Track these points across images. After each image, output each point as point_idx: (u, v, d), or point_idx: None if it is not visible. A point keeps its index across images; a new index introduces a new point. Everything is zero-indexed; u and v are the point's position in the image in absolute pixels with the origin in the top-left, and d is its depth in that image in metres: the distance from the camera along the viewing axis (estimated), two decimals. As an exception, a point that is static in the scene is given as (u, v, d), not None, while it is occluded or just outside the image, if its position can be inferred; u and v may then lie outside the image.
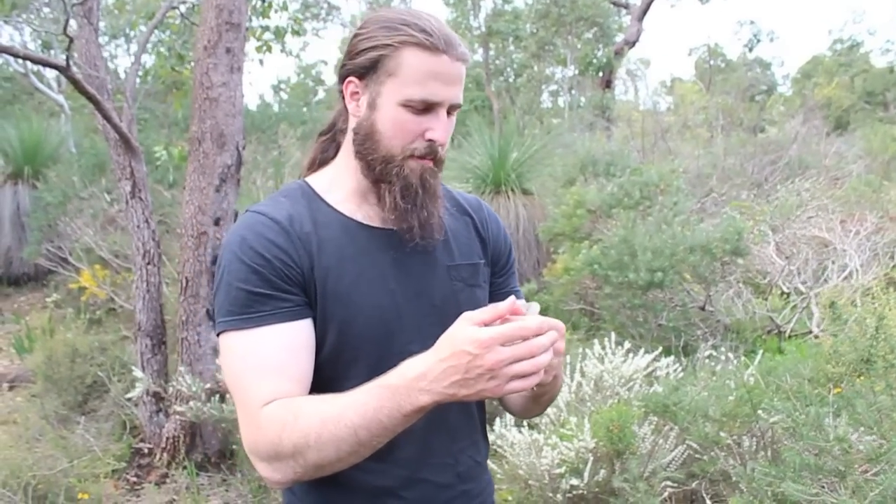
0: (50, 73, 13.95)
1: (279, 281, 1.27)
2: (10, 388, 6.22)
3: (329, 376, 1.33)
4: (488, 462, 1.59)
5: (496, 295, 1.53)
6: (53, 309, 7.93)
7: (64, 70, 3.95)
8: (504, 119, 15.02)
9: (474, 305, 1.45)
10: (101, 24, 18.74)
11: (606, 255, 5.12)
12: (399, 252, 1.37)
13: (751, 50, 26.98)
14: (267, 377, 1.24)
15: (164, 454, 4.36)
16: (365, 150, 1.34)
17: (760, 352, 3.80)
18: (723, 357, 3.80)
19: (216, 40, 4.40)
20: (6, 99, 18.36)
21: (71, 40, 3.72)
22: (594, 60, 21.90)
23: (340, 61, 1.40)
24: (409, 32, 1.28)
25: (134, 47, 18.50)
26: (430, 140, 1.30)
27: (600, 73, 20.67)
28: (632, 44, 20.33)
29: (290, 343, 1.27)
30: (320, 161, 1.48)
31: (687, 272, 4.96)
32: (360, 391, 1.14)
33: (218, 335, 1.30)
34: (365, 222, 1.37)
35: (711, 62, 27.46)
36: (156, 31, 8.71)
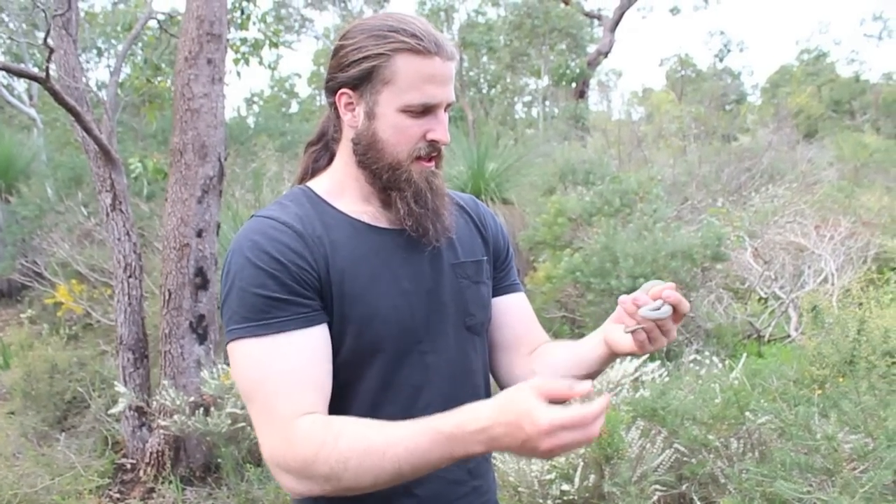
0: (21, 87, 13.77)
1: (296, 285, 1.26)
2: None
3: (346, 379, 1.33)
4: None
5: (497, 290, 1.56)
6: (29, 325, 7.80)
7: (44, 81, 3.90)
8: (479, 130, 15.10)
9: (480, 302, 1.48)
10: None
11: (588, 263, 5.15)
12: (408, 252, 1.39)
13: (721, 60, 27.37)
14: (295, 387, 1.23)
15: (149, 469, 4.30)
16: (368, 159, 1.35)
17: (744, 355, 3.85)
18: (707, 361, 3.84)
19: (197, 51, 4.38)
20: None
21: (51, 51, 3.68)
22: (567, 71, 22.09)
23: (328, 72, 1.40)
24: (400, 39, 1.29)
25: (106, 60, 18.37)
26: (432, 140, 1.32)
27: (574, 84, 20.85)
28: (604, 54, 20.56)
29: (311, 350, 1.26)
30: (313, 170, 1.49)
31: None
32: (411, 429, 1.12)
33: (229, 342, 1.28)
34: (372, 223, 1.38)
35: (683, 72, 27.82)
36: (139, 44, 8.67)
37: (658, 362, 4.03)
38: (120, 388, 4.27)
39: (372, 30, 1.32)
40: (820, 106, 24.87)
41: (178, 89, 4.41)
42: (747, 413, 2.95)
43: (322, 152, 1.49)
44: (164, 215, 4.54)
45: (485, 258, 1.51)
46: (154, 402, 4.26)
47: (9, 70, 3.80)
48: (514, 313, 1.57)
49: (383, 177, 1.35)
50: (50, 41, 3.96)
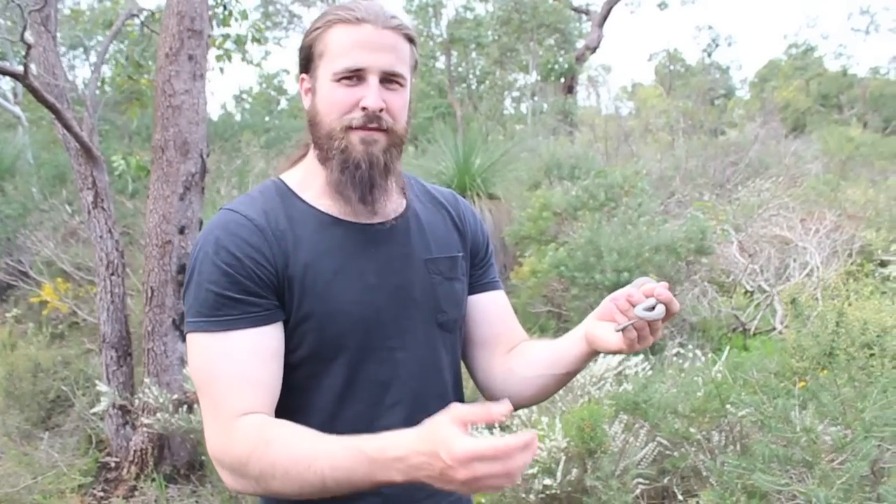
0: (6, 85, 13.68)
1: (249, 283, 1.26)
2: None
3: (308, 374, 1.32)
4: None
5: (475, 287, 1.53)
6: (14, 324, 7.75)
7: (22, 78, 3.87)
8: (467, 125, 15.10)
9: (453, 299, 1.46)
10: (59, 35, 18.49)
11: (573, 257, 5.16)
12: (377, 246, 1.37)
13: (709, 55, 27.44)
14: (238, 386, 1.23)
15: (132, 467, 4.28)
16: (313, 135, 1.36)
17: (727, 348, 3.86)
18: (690, 355, 3.85)
19: (178, 47, 4.35)
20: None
21: (29, 47, 3.65)
22: (556, 66, 22.09)
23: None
24: (334, 13, 1.31)
25: (93, 58, 18.25)
26: (363, 108, 1.29)
27: (562, 79, 20.85)
28: (593, 49, 20.58)
29: (259, 349, 1.26)
30: (295, 162, 1.47)
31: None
32: (337, 445, 1.11)
33: (186, 334, 1.30)
34: (341, 217, 1.36)
35: (671, 67, 27.88)
36: (114, 41, 8.61)
37: (641, 356, 4.04)
38: (102, 387, 4.25)
39: (319, 15, 1.36)
40: (808, 100, 24.96)
41: (160, 86, 4.39)
42: (728, 406, 2.96)
43: (305, 145, 1.49)
44: (146, 212, 4.51)
45: (460, 254, 1.49)
46: (137, 400, 4.24)
47: (-14, 67, 3.77)
48: (492, 310, 1.55)
49: (323, 148, 1.33)
50: (28, 37, 3.92)
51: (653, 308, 1.24)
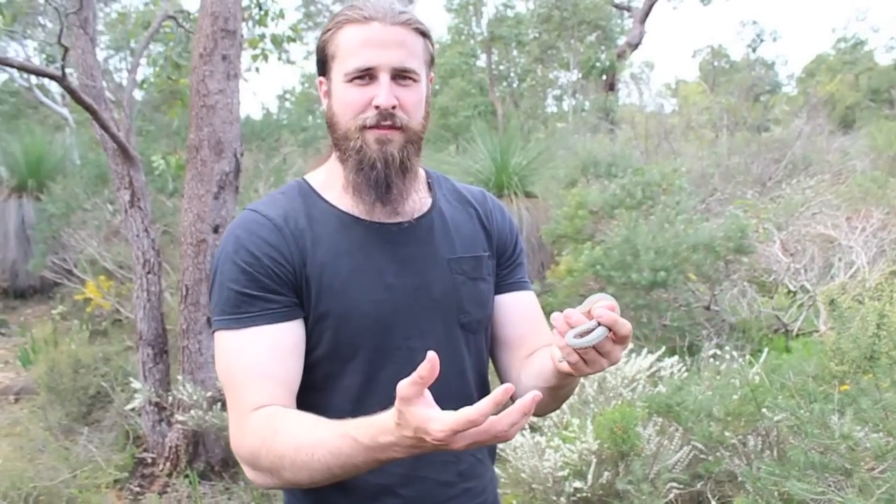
0: (55, 87, 13.99)
1: (268, 281, 1.27)
2: (16, 400, 6.21)
3: (326, 373, 1.33)
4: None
5: (501, 287, 1.50)
6: (59, 321, 7.93)
7: (60, 80, 3.94)
8: (507, 124, 15.00)
9: (477, 299, 1.43)
10: (105, 38, 18.89)
11: (609, 256, 5.08)
12: (398, 246, 1.36)
13: (754, 50, 26.92)
14: (255, 381, 1.25)
15: (167, 463, 4.33)
16: (332, 136, 1.36)
17: (766, 350, 3.76)
18: (727, 356, 3.75)
19: (212, 48, 4.39)
20: (11, 114, 18.46)
21: (66, 50, 3.71)
22: (597, 64, 21.87)
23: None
24: (343, 14, 1.31)
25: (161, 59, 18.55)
26: (376, 107, 1.28)
27: (604, 77, 20.65)
28: (634, 46, 20.35)
29: (276, 345, 1.27)
30: (321, 162, 1.48)
31: (691, 271, 4.92)
32: (332, 432, 1.11)
33: (213, 333, 1.33)
34: (362, 217, 1.36)
35: (715, 63, 27.41)
36: (155, 42, 8.74)
37: (676, 357, 3.96)
38: (136, 384, 4.31)
39: (333, 17, 1.35)
40: (857, 95, 24.31)
41: (194, 86, 4.43)
42: (764, 410, 2.87)
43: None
44: (181, 211, 4.56)
45: (486, 254, 1.47)
46: (171, 397, 4.29)
47: (25, 69, 3.84)
48: (517, 311, 1.51)
49: (341, 149, 1.34)
50: (65, 41, 3.98)
51: (589, 332, 1.11)
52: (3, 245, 9.09)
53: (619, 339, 1.14)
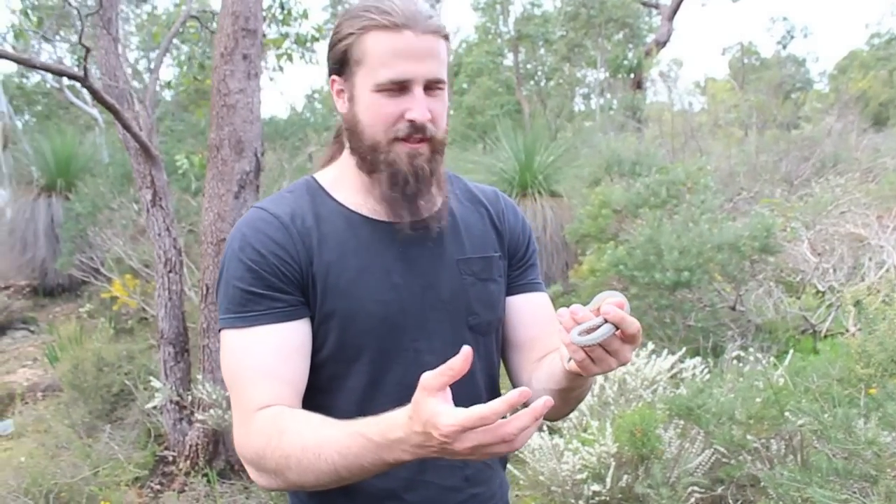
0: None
1: (274, 279, 1.26)
2: (44, 398, 6.30)
3: (331, 374, 1.31)
4: (508, 466, 1.53)
5: (513, 288, 1.48)
6: (87, 319, 8.03)
7: (82, 80, 3.97)
8: (534, 123, 14.91)
9: (486, 300, 1.41)
10: (135, 39, 19.11)
11: (632, 256, 5.01)
12: (405, 245, 1.34)
13: (784, 47, 26.53)
14: (260, 380, 1.23)
15: (187, 462, 4.35)
16: (354, 144, 1.33)
17: (791, 352, 3.68)
18: (751, 358, 3.68)
19: (233, 47, 4.39)
20: (44, 114, 18.77)
21: (87, 50, 3.74)
22: (625, 62, 21.68)
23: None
24: (369, 17, 1.25)
25: (169, 59, 18.78)
26: (410, 120, 1.26)
27: (631, 75, 20.46)
28: (662, 44, 20.08)
29: (282, 345, 1.26)
30: (329, 162, 1.47)
31: (716, 271, 4.84)
32: (341, 431, 1.09)
33: (219, 331, 1.31)
34: (370, 216, 1.34)
35: (745, 60, 27.04)
36: (184, 43, 8.82)
37: (699, 358, 3.89)
38: (156, 382, 4.33)
39: (350, 13, 1.30)
40: (891, 91, 23.83)
41: (215, 85, 4.44)
42: (787, 413, 2.80)
43: (338, 143, 1.47)
44: (202, 211, 4.58)
45: (497, 254, 1.44)
46: (190, 396, 4.30)
47: (47, 69, 3.88)
48: (528, 313, 1.48)
49: (367, 159, 1.31)
50: (89, 41, 4.01)
51: (595, 329, 1.07)
52: (32, 244, 9.23)
53: (628, 338, 1.11)
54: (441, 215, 1.36)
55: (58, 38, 13.32)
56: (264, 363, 1.24)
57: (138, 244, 7.70)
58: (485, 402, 1.38)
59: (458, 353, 1.36)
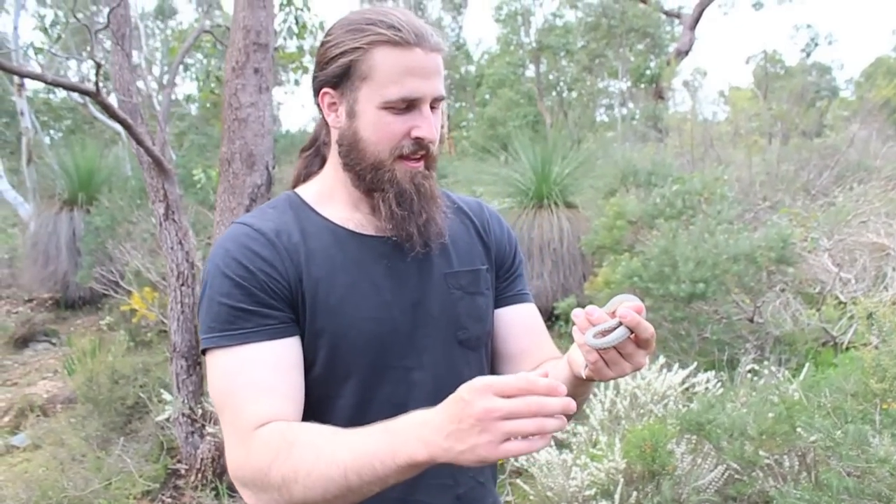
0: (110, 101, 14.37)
1: (263, 295, 1.22)
2: (63, 409, 6.34)
3: (321, 395, 1.27)
4: (518, 481, 1.50)
5: (501, 300, 1.46)
6: (107, 331, 8.09)
7: (94, 95, 4.00)
8: (559, 134, 14.84)
9: (475, 314, 1.39)
10: (159, 55, 19.37)
11: (647, 267, 4.95)
12: (394, 260, 1.31)
13: (808, 55, 26.25)
14: (258, 397, 1.17)
15: (198, 475, 4.34)
16: (352, 160, 1.29)
17: (807, 365, 3.60)
18: (766, 371, 3.60)
19: (244, 61, 4.41)
20: (70, 129, 19.06)
21: (99, 66, 3.77)
22: (647, 71, 21.59)
23: (313, 72, 1.35)
24: (377, 31, 1.23)
25: (191, 74, 19.02)
26: (416, 138, 1.25)
27: (654, 84, 20.35)
28: (684, 53, 19.95)
29: (277, 361, 1.21)
30: (305, 176, 1.44)
31: (732, 283, 4.76)
32: (361, 431, 1.05)
33: (203, 353, 1.25)
34: (357, 231, 1.32)
35: (770, 69, 26.78)
36: (205, 57, 8.89)
37: (713, 372, 3.82)
38: (167, 395, 4.33)
39: (350, 24, 1.27)
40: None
41: (226, 99, 4.46)
42: (798, 429, 2.73)
43: (314, 157, 1.45)
44: (214, 224, 4.59)
45: (484, 267, 1.43)
46: (201, 409, 4.30)
47: (60, 85, 3.92)
48: (519, 324, 1.46)
49: (367, 178, 1.28)
50: (99, 57, 4.05)
51: (611, 331, 1.07)
52: (55, 257, 9.32)
53: (642, 343, 1.10)
54: (442, 231, 1.34)
55: (84, 53, 13.54)
56: (261, 379, 1.18)
57: (157, 257, 7.75)
58: None
59: (448, 369, 1.34)
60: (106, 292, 8.34)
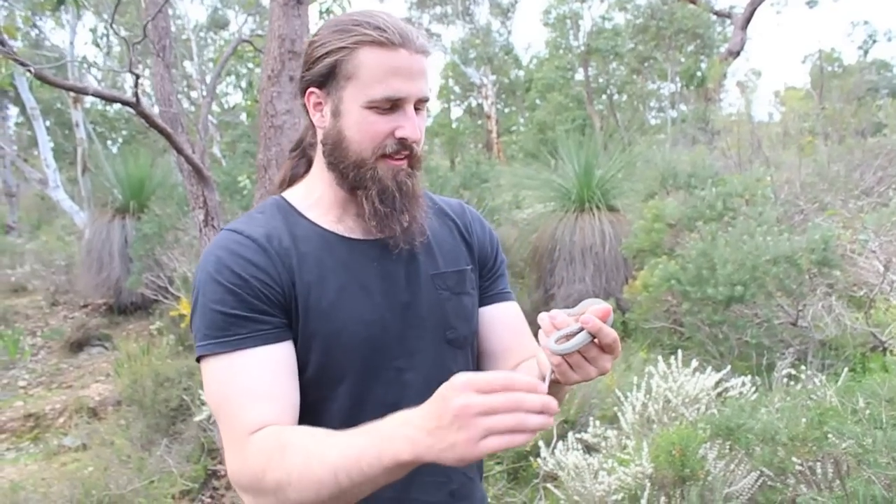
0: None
1: (257, 302, 1.23)
2: (114, 411, 6.53)
3: (314, 398, 1.28)
4: (548, 485, 1.51)
5: (484, 299, 1.48)
6: (157, 336, 8.30)
7: (134, 106, 4.10)
8: (609, 137, 14.69)
9: (462, 314, 1.40)
10: (211, 65, 19.79)
11: (685, 270, 4.88)
12: (383, 263, 1.33)
13: (866, 53, 25.51)
14: (254, 402, 1.19)
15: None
16: (335, 159, 1.31)
17: (844, 370, 3.50)
18: (802, 376, 3.52)
19: (279, 69, 4.49)
20: (126, 139, 19.62)
21: (137, 77, 3.87)
22: (698, 73, 21.24)
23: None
24: (362, 31, 1.24)
25: (243, 83, 19.37)
26: (400, 138, 1.26)
27: (707, 85, 20.02)
28: (736, 53, 19.57)
29: (272, 367, 1.22)
30: (291, 178, 1.46)
31: (772, 285, 4.65)
32: (351, 432, 1.06)
33: (198, 361, 1.26)
34: (346, 234, 1.33)
35: (826, 68, 26.12)
36: (250, 64, 9.06)
37: (750, 376, 3.74)
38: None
39: (337, 25, 1.29)
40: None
41: (263, 107, 4.54)
42: (830, 436, 2.66)
43: (300, 159, 1.47)
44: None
45: (469, 267, 1.44)
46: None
47: (100, 96, 4.04)
48: (502, 322, 1.48)
49: (349, 176, 1.30)
50: (142, 70, 4.15)
51: (572, 335, 1.07)
52: (108, 263, 9.59)
53: (605, 348, 1.10)
54: (423, 230, 1.36)
55: (141, 66, 13.90)
56: (257, 384, 1.19)
57: (204, 263, 7.92)
58: None
59: (438, 369, 1.36)
60: (156, 298, 8.56)
